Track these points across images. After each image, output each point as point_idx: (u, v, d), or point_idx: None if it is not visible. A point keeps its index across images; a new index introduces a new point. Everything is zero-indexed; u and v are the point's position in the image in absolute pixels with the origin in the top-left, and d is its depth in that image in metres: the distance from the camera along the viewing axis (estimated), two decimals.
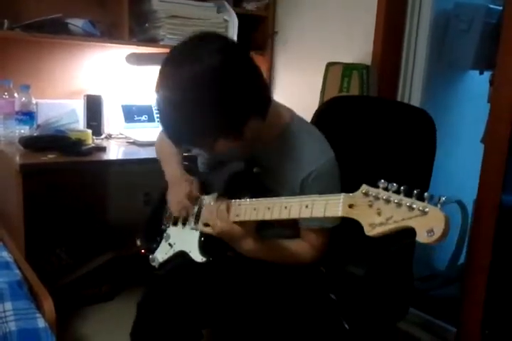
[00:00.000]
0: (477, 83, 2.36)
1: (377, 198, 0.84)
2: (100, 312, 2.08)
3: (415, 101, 2.07)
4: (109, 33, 2.25)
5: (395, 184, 0.84)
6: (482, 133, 1.96)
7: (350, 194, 0.90)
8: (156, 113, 1.15)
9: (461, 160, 2.38)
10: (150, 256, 1.34)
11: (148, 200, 2.51)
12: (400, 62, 2.09)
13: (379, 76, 1.99)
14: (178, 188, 1.30)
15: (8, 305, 1.33)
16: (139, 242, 1.44)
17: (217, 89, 1.03)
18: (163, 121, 1.12)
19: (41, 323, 1.31)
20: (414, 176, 1.38)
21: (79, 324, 1.98)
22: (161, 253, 1.32)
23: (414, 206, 0.80)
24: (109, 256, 2.22)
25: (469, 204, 2.08)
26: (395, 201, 0.82)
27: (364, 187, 0.87)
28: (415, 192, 0.81)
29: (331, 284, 1.29)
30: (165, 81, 1.07)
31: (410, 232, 0.83)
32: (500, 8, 2.14)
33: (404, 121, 1.49)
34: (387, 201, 0.83)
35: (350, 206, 0.89)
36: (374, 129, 1.51)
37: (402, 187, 0.83)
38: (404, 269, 1.39)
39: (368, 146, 1.46)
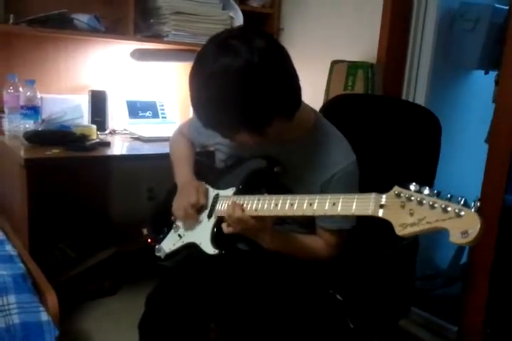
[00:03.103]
0: (482, 83, 2.36)
1: (409, 199, 0.84)
2: (102, 307, 2.10)
3: (420, 100, 2.06)
4: (114, 29, 2.26)
5: (427, 187, 0.84)
6: (486, 133, 1.96)
7: (382, 194, 0.89)
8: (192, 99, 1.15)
9: (465, 160, 2.38)
10: (156, 246, 1.34)
11: (151, 196, 2.52)
12: (405, 61, 2.08)
13: (384, 74, 1.98)
14: (185, 195, 1.30)
15: (12, 298, 1.33)
16: (145, 231, 1.43)
17: (248, 85, 1.02)
18: (194, 103, 1.10)
19: (44, 317, 1.32)
20: (419, 175, 1.38)
21: (81, 318, 1.99)
22: (169, 244, 1.32)
23: (449, 208, 0.80)
24: (112, 251, 2.23)
25: None
26: (430, 203, 0.82)
27: (396, 188, 0.87)
28: (448, 195, 0.82)
29: (337, 285, 1.29)
30: (199, 68, 1.07)
31: None
32: (507, 7, 2.14)
33: (409, 119, 1.49)
34: (421, 203, 0.83)
35: (381, 206, 0.88)
36: (378, 128, 1.51)
37: (435, 191, 0.83)
38: (407, 268, 1.39)
39: (372, 145, 1.46)
